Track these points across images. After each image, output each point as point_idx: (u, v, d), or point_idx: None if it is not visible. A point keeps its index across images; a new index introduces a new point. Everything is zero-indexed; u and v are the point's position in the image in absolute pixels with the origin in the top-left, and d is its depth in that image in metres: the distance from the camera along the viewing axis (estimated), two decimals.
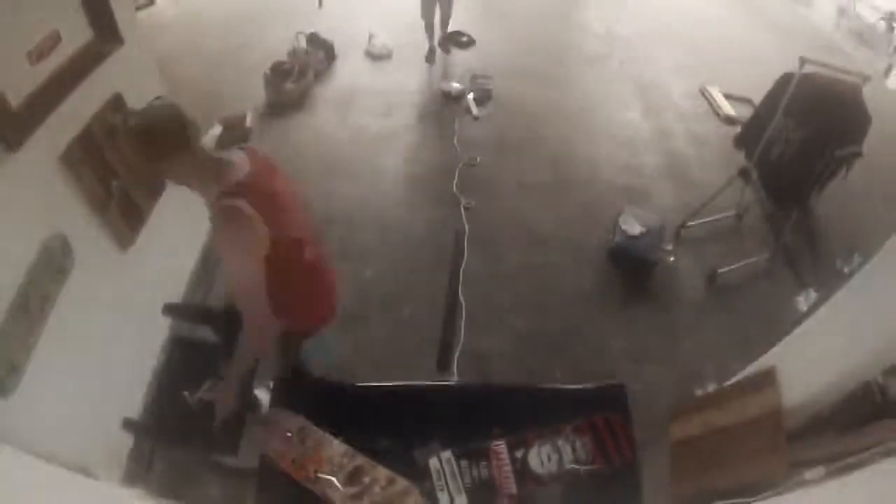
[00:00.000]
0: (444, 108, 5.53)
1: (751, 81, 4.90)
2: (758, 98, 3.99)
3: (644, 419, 2.22)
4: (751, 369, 2.47)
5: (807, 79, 3.09)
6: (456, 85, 5.74)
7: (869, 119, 2.95)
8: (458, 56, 6.43)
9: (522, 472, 1.94)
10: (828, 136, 2.93)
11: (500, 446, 2.00)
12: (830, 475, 1.77)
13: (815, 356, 2.24)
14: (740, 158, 3.94)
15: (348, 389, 2.31)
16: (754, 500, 1.91)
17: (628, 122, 5.68)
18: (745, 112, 5.14)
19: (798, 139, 3.05)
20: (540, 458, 1.96)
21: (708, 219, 4.17)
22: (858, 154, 2.96)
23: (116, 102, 2.63)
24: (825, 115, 2.97)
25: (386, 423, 2.13)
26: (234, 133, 4.57)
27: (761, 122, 3.33)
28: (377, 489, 1.87)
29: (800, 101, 3.05)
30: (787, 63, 3.35)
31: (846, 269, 3.44)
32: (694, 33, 7.09)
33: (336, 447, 1.99)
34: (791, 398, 2.18)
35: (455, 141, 5.06)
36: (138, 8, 5.38)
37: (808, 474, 1.82)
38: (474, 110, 5.45)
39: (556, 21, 7.24)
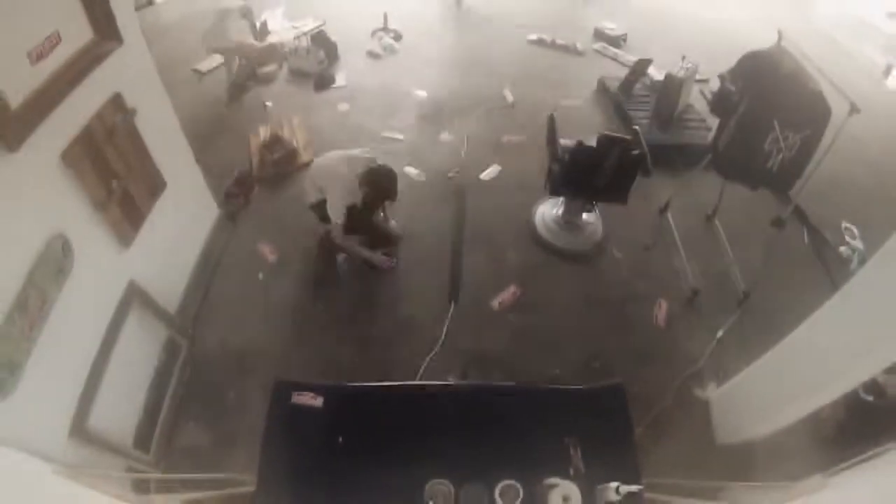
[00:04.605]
0: (442, 107, 5.51)
1: None
2: None
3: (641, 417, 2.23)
4: (750, 369, 2.48)
5: (793, 80, 3.19)
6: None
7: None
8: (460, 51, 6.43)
9: None
10: (821, 131, 3.18)
11: None
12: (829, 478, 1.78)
13: (816, 356, 2.24)
14: None
15: (348, 390, 2.31)
16: None
17: None
18: None
19: (798, 141, 3.20)
20: None
21: None
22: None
23: (117, 102, 2.63)
24: (817, 116, 3.15)
25: (386, 424, 2.13)
26: None
27: (731, 95, 3.50)
28: None
29: (792, 109, 3.16)
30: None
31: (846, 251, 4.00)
32: (694, 31, 7.08)
33: None
34: (792, 397, 2.19)
35: (454, 141, 5.06)
36: (138, 8, 5.36)
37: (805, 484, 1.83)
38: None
39: (556, 19, 7.22)
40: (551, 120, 3.90)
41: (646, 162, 3.57)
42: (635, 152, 3.52)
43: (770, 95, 3.19)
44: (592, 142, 3.54)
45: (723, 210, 4.19)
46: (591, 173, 3.61)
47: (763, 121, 3.20)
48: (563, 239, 4.14)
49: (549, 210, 4.30)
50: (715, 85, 3.51)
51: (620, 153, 3.49)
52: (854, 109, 3.00)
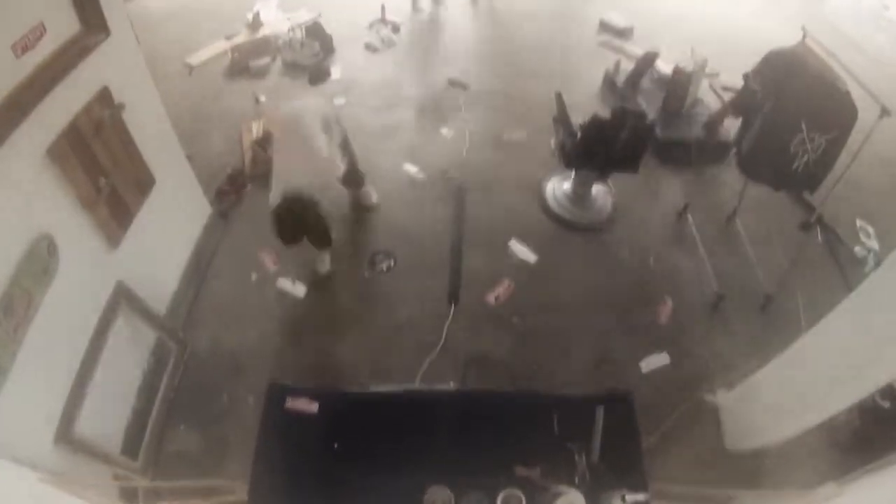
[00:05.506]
0: (442, 102, 5.45)
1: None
2: None
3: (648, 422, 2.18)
4: (760, 374, 2.43)
5: (819, 80, 3.10)
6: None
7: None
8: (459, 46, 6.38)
9: None
10: (847, 132, 3.10)
11: None
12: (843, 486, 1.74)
13: (830, 360, 2.19)
14: None
15: (344, 394, 2.27)
16: None
17: None
18: None
19: (824, 143, 3.12)
20: None
21: None
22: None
23: (104, 96, 2.56)
24: (845, 118, 3.06)
25: (383, 429, 2.08)
26: None
27: (755, 95, 3.43)
28: None
29: (819, 110, 3.07)
30: None
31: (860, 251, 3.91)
32: (703, 23, 7.02)
33: None
34: (805, 402, 2.15)
35: (454, 137, 4.99)
36: None
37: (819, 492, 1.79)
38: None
39: (558, 16, 7.17)
40: (559, 97, 3.97)
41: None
42: (648, 121, 3.68)
43: (796, 96, 3.09)
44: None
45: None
46: (605, 144, 3.69)
47: (790, 122, 3.11)
48: (575, 212, 4.24)
49: (558, 185, 4.39)
50: (725, 79, 3.49)
51: (635, 122, 3.59)
52: (885, 113, 2.92)
